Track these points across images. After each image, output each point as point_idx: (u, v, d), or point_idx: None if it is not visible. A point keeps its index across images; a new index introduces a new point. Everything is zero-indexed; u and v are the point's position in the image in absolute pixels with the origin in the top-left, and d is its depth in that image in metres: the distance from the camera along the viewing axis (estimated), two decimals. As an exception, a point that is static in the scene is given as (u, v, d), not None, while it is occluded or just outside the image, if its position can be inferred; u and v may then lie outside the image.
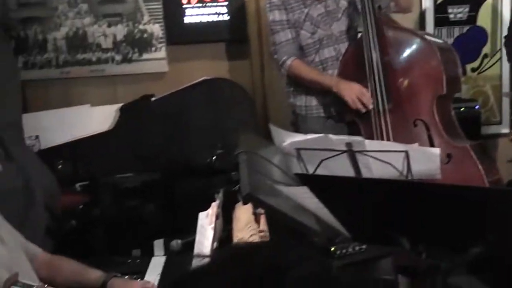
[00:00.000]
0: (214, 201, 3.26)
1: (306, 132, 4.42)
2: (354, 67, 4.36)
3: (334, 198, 1.81)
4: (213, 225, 2.61)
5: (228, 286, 0.83)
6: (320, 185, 1.79)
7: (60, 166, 5.02)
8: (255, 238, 2.38)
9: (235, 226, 2.92)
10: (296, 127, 4.57)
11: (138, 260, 4.36)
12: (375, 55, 4.19)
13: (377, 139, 4.13)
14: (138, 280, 3.07)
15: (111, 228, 4.85)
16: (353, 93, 4.21)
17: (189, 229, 3.33)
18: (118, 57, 5.38)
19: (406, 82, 4.24)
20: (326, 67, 4.47)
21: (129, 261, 4.38)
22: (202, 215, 2.85)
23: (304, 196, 1.91)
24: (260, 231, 2.40)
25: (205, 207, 3.28)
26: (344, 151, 3.39)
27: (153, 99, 5.20)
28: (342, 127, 4.43)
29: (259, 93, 5.37)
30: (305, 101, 4.51)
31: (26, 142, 4.97)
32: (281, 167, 3.51)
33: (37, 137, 5.12)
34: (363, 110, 4.19)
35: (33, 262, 2.96)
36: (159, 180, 4.93)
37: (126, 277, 3.09)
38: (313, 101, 4.49)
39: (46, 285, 1.48)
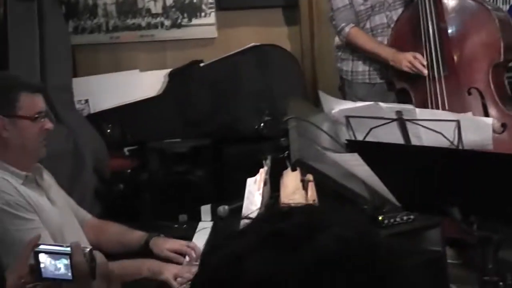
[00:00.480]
0: (262, 167, 3.25)
1: (351, 97, 4.39)
2: (408, 34, 4.29)
3: (384, 166, 1.77)
4: (260, 191, 2.60)
5: (258, 243, 0.82)
6: (370, 152, 1.76)
7: (109, 131, 5.05)
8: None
9: (283, 193, 2.90)
10: (343, 92, 4.54)
11: (185, 225, 4.39)
12: (431, 22, 4.11)
13: (431, 107, 4.07)
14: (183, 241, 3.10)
15: (159, 193, 4.89)
16: (408, 61, 4.15)
17: (237, 194, 3.33)
18: (167, 23, 5.37)
19: (462, 49, 4.16)
20: (376, 34, 4.41)
21: (176, 226, 4.41)
22: (250, 181, 2.83)
23: (354, 163, 1.88)
24: (308, 199, 2.37)
25: (253, 173, 3.27)
26: (394, 120, 3.33)
27: (202, 64, 5.20)
28: (389, 95, 4.37)
29: (308, 60, 5.33)
30: (351, 67, 4.46)
31: (76, 106, 5.01)
32: (331, 140, 3.49)
33: (86, 101, 5.16)
34: (424, 73, 4.13)
35: (82, 227, 3.01)
36: (207, 145, 4.94)
37: None
38: (360, 67, 4.44)
39: (89, 248, 1.47)
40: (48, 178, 2.88)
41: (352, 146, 1.78)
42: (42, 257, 1.47)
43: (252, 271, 0.80)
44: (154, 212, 4.84)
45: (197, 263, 2.77)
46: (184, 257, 2.90)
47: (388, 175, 1.78)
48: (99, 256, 1.52)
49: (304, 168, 1.91)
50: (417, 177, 1.76)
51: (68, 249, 1.48)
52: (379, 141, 3.42)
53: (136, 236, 3.04)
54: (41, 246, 1.30)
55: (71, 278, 1.47)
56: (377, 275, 0.83)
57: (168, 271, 2.71)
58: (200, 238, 3.33)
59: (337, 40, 4.52)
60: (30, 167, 2.73)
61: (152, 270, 2.73)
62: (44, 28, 4.63)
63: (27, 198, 2.62)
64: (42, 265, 1.47)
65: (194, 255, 2.90)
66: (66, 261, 1.46)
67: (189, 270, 2.72)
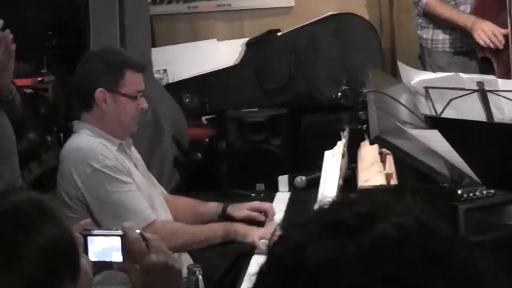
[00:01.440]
0: (339, 137, 3.25)
1: (431, 66, 4.32)
2: (491, 2, 4.20)
3: (464, 143, 1.75)
4: (338, 164, 2.60)
5: (319, 231, 0.87)
6: (450, 128, 1.74)
7: (187, 100, 5.11)
8: (380, 179, 2.35)
9: (360, 165, 2.90)
10: (422, 61, 4.47)
11: (262, 195, 4.43)
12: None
13: (515, 78, 3.97)
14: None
15: (236, 162, 4.93)
16: (487, 33, 4.06)
17: (314, 164, 3.33)
18: (245, -9, 5.37)
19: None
20: (459, 2, 4.32)
21: (253, 195, 4.46)
22: (327, 154, 2.84)
23: (433, 139, 1.86)
24: (386, 172, 2.37)
25: (330, 142, 3.27)
26: (475, 90, 3.28)
27: (279, 33, 5.19)
28: (470, 65, 4.29)
29: (387, 29, 5.26)
30: (431, 34, 4.38)
31: (155, 75, 5.08)
32: (408, 106, 3.45)
33: (165, 70, 5.23)
34: (501, 47, 4.04)
35: None
36: (285, 115, 4.94)
37: None
38: (440, 35, 4.36)
39: (139, 230, 1.52)
40: (135, 152, 2.98)
41: (431, 122, 1.76)
42: (91, 240, 1.51)
43: (313, 258, 0.85)
44: (231, 181, 4.90)
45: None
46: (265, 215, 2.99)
47: (468, 152, 1.76)
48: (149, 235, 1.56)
49: (383, 144, 1.91)
50: (498, 154, 1.74)
51: (118, 231, 1.51)
52: (459, 112, 3.38)
53: (211, 206, 3.14)
54: (90, 230, 1.33)
55: (121, 259, 1.51)
56: (434, 257, 0.86)
57: (254, 234, 2.79)
58: (278, 209, 3.36)
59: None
60: (122, 138, 2.86)
61: (239, 233, 2.82)
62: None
63: (122, 162, 2.75)
64: (91, 248, 1.51)
65: (271, 212, 3.05)
66: (116, 242, 1.50)
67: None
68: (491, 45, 4.06)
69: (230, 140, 4.93)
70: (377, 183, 2.24)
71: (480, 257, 0.92)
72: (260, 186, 4.73)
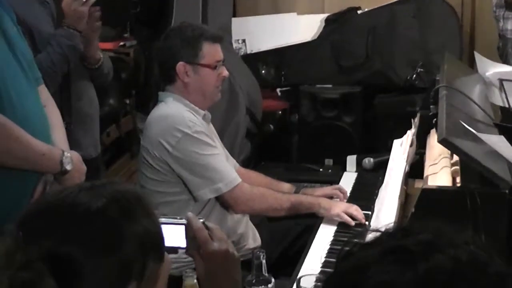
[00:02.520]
0: (412, 119, 3.27)
1: (512, 58, 4.29)
2: None
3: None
4: (405, 155, 2.65)
5: (382, 255, 0.97)
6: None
7: (263, 71, 5.19)
8: (445, 175, 2.39)
9: (428, 155, 2.93)
10: (504, 52, 4.42)
11: (330, 170, 4.50)
12: None
13: None
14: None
15: (307, 136, 5.01)
16: None
17: (385, 146, 3.35)
18: (327, -33, 5.40)
19: None
20: None
21: (321, 170, 4.53)
22: (396, 143, 2.89)
23: (499, 143, 1.91)
24: (453, 168, 2.41)
25: (402, 124, 3.30)
26: (551, 87, 3.28)
27: (359, 12, 5.20)
28: None
29: (468, 13, 5.22)
30: None
31: (234, 45, 5.17)
32: (482, 97, 3.46)
33: (244, 41, 5.31)
34: None
35: None
36: (358, 93, 4.98)
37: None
38: None
39: (202, 220, 1.65)
40: (211, 126, 3.10)
41: (500, 128, 1.80)
42: None
43: (374, 279, 0.94)
44: (301, 155, 4.98)
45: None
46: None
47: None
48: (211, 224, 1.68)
49: (449, 147, 1.96)
50: None
51: (183, 220, 1.64)
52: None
53: (285, 187, 3.24)
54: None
55: (185, 246, 1.64)
56: None
57: (338, 207, 2.90)
58: (344, 188, 3.43)
59: None
60: (205, 109, 2.99)
61: (324, 206, 2.93)
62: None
63: (207, 130, 2.90)
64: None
65: (341, 195, 3.13)
66: (181, 230, 1.63)
67: (356, 208, 2.90)
68: None
69: (302, 114, 5.00)
70: (443, 178, 2.28)
71: None
72: (329, 162, 4.81)
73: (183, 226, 1.63)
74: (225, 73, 2.96)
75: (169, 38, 2.94)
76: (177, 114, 2.84)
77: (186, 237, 1.63)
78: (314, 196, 3.06)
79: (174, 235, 1.61)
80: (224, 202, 2.91)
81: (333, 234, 2.80)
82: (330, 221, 2.92)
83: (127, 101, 4.43)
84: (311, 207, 2.95)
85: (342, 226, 2.87)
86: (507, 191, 1.83)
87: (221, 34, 3.16)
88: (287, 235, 3.17)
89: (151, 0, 4.79)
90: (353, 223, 2.85)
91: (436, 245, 0.96)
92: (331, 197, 3.12)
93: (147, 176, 2.89)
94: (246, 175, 3.26)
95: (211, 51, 2.90)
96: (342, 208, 2.90)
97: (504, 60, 4.32)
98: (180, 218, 1.64)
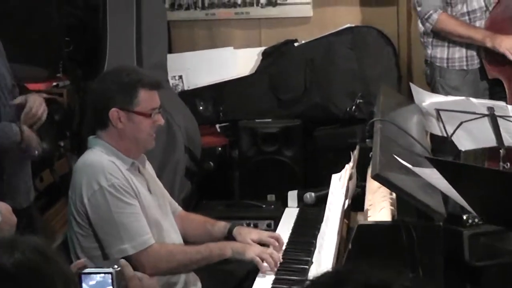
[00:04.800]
0: (352, 150, 3.32)
1: (442, 87, 4.35)
2: (508, 18, 4.24)
3: (460, 183, 1.84)
4: (344, 189, 2.69)
5: None
6: (446, 169, 1.82)
7: (201, 107, 5.21)
8: (386, 204, 2.44)
9: (368, 187, 2.98)
10: (431, 80, 4.46)
11: (272, 206, 4.53)
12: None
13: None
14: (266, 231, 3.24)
15: (248, 172, 5.02)
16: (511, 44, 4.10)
17: (326, 177, 3.37)
18: (263, 0, 5.47)
19: None
20: (475, 18, 4.33)
21: (264, 206, 4.56)
22: (335, 178, 2.92)
23: (433, 176, 1.95)
24: (391, 197, 2.46)
25: (343, 155, 3.33)
26: (485, 115, 3.37)
27: (296, 44, 5.28)
28: (480, 83, 4.31)
29: (404, 42, 5.33)
30: (447, 53, 4.37)
31: (170, 82, 5.18)
32: (420, 126, 3.54)
33: (180, 77, 5.33)
34: None
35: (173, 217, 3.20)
36: (298, 126, 5.02)
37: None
38: (456, 53, 4.35)
39: (119, 268, 1.69)
40: (149, 168, 3.08)
41: (430, 162, 1.85)
42: (85, 277, 1.69)
43: None
44: (243, 191, 4.99)
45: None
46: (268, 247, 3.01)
47: (465, 192, 1.85)
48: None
49: (383, 183, 2.00)
50: (499, 197, 1.81)
51: (109, 269, 1.71)
52: (469, 135, 3.47)
53: (220, 225, 3.19)
54: (83, 269, 1.53)
55: None
56: None
57: (252, 251, 2.84)
58: (286, 225, 3.46)
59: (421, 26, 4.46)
60: (137, 157, 2.94)
61: (236, 250, 2.87)
62: (142, 4, 4.79)
63: (131, 183, 2.83)
64: (85, 284, 1.69)
65: (277, 245, 3.02)
66: (108, 279, 1.70)
67: (271, 252, 2.85)
68: None
69: (242, 149, 5.02)
70: (381, 209, 2.33)
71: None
72: (271, 197, 4.84)
73: (110, 275, 1.67)
74: (161, 121, 2.91)
75: (104, 82, 2.91)
76: (97, 164, 2.79)
77: (113, 285, 1.67)
78: (224, 242, 2.98)
79: (101, 283, 1.64)
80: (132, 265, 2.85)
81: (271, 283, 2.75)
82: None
83: (61, 144, 4.39)
84: (223, 254, 2.88)
85: (281, 272, 2.81)
86: (441, 224, 1.88)
87: (159, 80, 3.12)
88: (231, 280, 3.15)
89: (84, 38, 4.79)
90: (264, 269, 2.79)
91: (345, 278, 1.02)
92: (266, 245, 3.02)
93: (73, 229, 2.85)
94: (186, 218, 3.25)
95: (148, 98, 2.85)
96: (256, 252, 2.83)
97: (432, 88, 4.40)
98: (108, 267, 1.68)
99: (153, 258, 2.80)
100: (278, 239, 3.06)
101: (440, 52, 4.37)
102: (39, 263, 1.27)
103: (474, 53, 4.31)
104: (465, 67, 4.34)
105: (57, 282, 1.28)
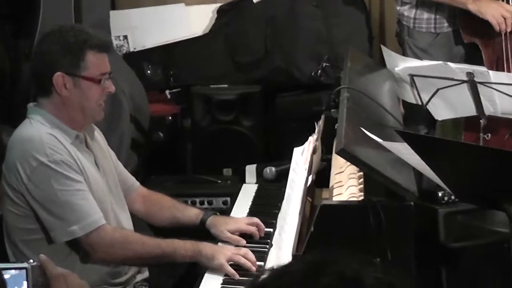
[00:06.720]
0: (317, 119, 3.32)
1: (410, 47, 4.35)
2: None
3: (433, 158, 1.85)
4: (307, 165, 2.69)
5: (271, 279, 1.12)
6: (422, 145, 1.83)
7: (149, 72, 5.17)
8: (354, 182, 2.46)
9: (334, 161, 2.99)
10: (400, 39, 4.47)
11: (229, 181, 4.53)
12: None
13: (506, 66, 4.07)
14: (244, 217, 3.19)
15: (202, 144, 5.01)
16: (498, 12, 4.10)
17: (289, 151, 3.36)
18: (220, -50, 5.43)
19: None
20: None
21: (219, 181, 4.56)
22: (297, 152, 2.91)
23: (403, 151, 1.96)
24: (359, 174, 2.47)
25: (307, 125, 3.33)
26: (464, 81, 3.40)
27: (255, 0, 5.24)
28: (453, 47, 4.33)
29: (376, 0, 5.33)
30: (415, 13, 4.36)
31: (114, 42, 5.11)
32: (392, 94, 3.56)
33: (125, 37, 5.27)
34: (509, 29, 4.09)
35: (129, 194, 3.17)
36: (258, 92, 5.00)
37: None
38: (425, 14, 4.36)
39: (35, 263, 1.72)
40: (100, 140, 3.04)
41: (403, 136, 1.85)
42: None
43: None
44: (196, 165, 4.98)
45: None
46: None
47: (438, 167, 1.86)
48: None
49: (348, 159, 2.01)
50: (473, 174, 1.82)
51: (24, 264, 1.73)
52: (447, 102, 3.50)
53: (191, 213, 3.13)
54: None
55: None
56: None
57: (222, 255, 2.72)
58: (243, 202, 3.46)
59: None
60: (82, 128, 2.90)
61: (205, 255, 2.75)
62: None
63: (75, 157, 2.79)
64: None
65: (257, 234, 2.97)
66: (22, 275, 1.72)
67: (245, 253, 2.74)
68: (503, 26, 4.09)
69: (196, 119, 4.99)
70: (348, 188, 2.34)
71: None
72: (228, 171, 4.83)
73: (24, 270, 1.68)
74: (112, 88, 2.86)
75: (47, 43, 2.84)
76: (35, 139, 2.74)
77: (28, 281, 1.68)
78: (193, 242, 2.83)
79: (15, 280, 1.66)
80: (81, 248, 2.80)
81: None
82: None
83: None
84: (189, 256, 2.78)
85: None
86: (412, 204, 1.89)
87: (109, 41, 3.07)
88: (178, 266, 3.11)
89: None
90: (237, 276, 2.67)
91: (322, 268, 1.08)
92: (249, 235, 2.97)
93: (7, 208, 2.81)
94: (149, 198, 3.22)
95: (96, 62, 2.80)
96: (227, 256, 2.71)
97: (402, 49, 4.41)
98: (23, 262, 1.70)
99: (104, 240, 2.75)
100: (258, 226, 3.00)
101: (408, 11, 4.35)
102: None
103: (445, 15, 4.30)
104: (432, 30, 4.33)
105: None
